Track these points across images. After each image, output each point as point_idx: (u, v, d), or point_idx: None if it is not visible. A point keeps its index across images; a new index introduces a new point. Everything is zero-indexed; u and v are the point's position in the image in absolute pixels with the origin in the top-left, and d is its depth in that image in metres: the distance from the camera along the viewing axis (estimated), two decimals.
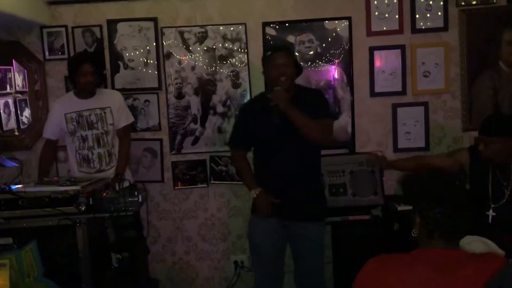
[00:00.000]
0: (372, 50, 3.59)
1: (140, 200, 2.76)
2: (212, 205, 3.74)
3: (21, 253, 2.63)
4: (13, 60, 3.60)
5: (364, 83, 3.62)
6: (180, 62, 3.60)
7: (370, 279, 1.46)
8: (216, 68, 3.60)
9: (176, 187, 3.71)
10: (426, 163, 2.95)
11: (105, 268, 2.91)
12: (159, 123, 3.66)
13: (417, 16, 3.55)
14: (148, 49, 3.60)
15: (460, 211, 1.48)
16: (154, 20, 3.57)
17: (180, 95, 3.63)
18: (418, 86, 3.60)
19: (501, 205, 2.58)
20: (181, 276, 3.80)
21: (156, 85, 3.62)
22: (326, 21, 3.56)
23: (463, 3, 3.54)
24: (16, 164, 3.19)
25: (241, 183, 3.25)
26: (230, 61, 3.59)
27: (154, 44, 3.59)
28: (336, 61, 3.59)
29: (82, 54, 3.42)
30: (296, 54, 3.56)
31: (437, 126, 3.64)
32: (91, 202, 2.64)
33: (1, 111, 3.54)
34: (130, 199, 2.70)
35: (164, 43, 3.59)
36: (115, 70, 3.61)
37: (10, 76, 3.61)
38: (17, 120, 3.66)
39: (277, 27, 3.57)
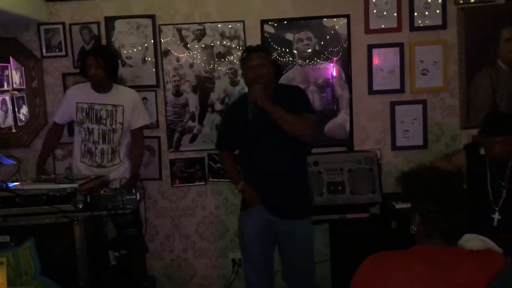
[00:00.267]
0: (370, 48, 3.58)
1: (138, 197, 2.76)
2: (210, 202, 3.74)
3: (18, 251, 2.63)
4: (10, 57, 3.59)
5: (362, 81, 3.62)
6: (178, 60, 3.60)
7: (368, 276, 1.45)
8: (214, 66, 3.59)
9: (174, 185, 3.71)
10: None
11: (102, 266, 2.91)
12: (157, 121, 3.65)
13: (416, 14, 3.55)
14: (146, 47, 3.59)
15: (459, 211, 1.48)
16: (152, 17, 3.56)
17: (178, 93, 3.62)
18: (417, 84, 3.60)
19: (505, 207, 2.56)
20: (179, 274, 3.80)
21: (154, 82, 3.61)
22: (325, 19, 3.56)
23: (461, 1, 3.54)
24: (13, 162, 3.17)
25: None
26: (228, 59, 3.58)
27: (152, 41, 3.58)
28: (335, 58, 3.58)
29: (88, 49, 3.44)
30: (294, 51, 3.57)
31: (435, 124, 3.64)
32: (88, 200, 2.64)
33: None
34: (128, 197, 2.70)
35: (162, 41, 3.58)
36: None
37: (7, 73, 3.59)
38: (14, 118, 3.65)
39: (275, 24, 3.56)
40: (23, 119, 3.68)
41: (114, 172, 3.19)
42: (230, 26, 3.56)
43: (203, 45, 3.58)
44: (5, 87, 3.58)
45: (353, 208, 3.29)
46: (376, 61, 3.59)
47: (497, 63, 3.58)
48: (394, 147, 3.66)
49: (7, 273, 2.43)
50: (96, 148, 3.23)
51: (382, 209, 3.45)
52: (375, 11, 3.55)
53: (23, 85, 3.66)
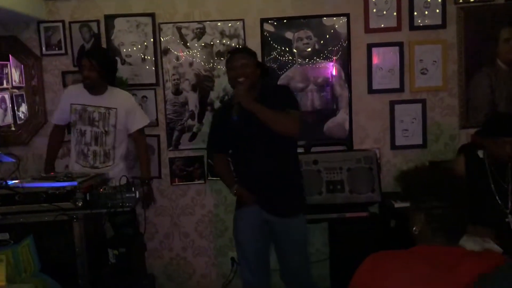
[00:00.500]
0: (370, 47, 3.59)
1: (137, 196, 2.76)
2: (209, 201, 3.74)
3: (17, 248, 2.62)
4: (10, 55, 3.58)
5: (362, 80, 3.62)
6: (177, 58, 3.60)
7: (369, 276, 1.45)
8: (213, 64, 3.59)
9: (173, 183, 3.71)
10: None
11: (102, 264, 2.91)
12: (157, 119, 3.65)
13: (415, 13, 3.55)
14: (145, 45, 3.59)
15: (463, 207, 1.47)
16: (152, 15, 3.56)
17: (177, 91, 3.62)
18: (416, 83, 3.61)
19: None
20: (178, 272, 3.81)
21: (153, 81, 3.61)
22: (324, 18, 3.56)
23: (461, 1, 3.54)
24: (13, 160, 3.17)
25: None
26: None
27: (152, 40, 3.58)
28: (334, 58, 3.59)
29: (85, 50, 3.43)
30: (294, 50, 3.57)
31: (434, 124, 3.65)
32: (88, 198, 2.63)
33: None
34: (127, 195, 2.70)
35: (162, 39, 3.58)
36: None
37: (6, 71, 3.59)
38: (14, 116, 3.64)
39: (275, 23, 3.56)
40: (23, 117, 3.68)
41: (108, 173, 3.17)
42: (230, 24, 3.56)
43: (203, 44, 3.58)
44: (5, 85, 3.58)
45: (352, 207, 3.29)
46: (375, 60, 3.60)
47: (497, 63, 3.59)
48: (393, 146, 3.66)
49: (6, 270, 2.43)
50: (88, 149, 3.20)
51: (381, 208, 3.45)
52: (375, 10, 3.55)
53: (23, 83, 3.65)
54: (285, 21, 3.57)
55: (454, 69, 3.61)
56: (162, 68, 3.60)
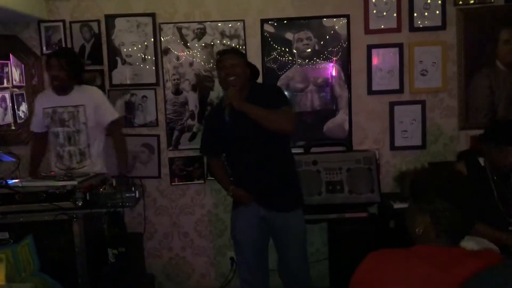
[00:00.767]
0: (370, 48, 3.59)
1: (137, 195, 2.76)
2: (209, 201, 3.74)
3: (17, 247, 2.63)
4: (10, 54, 3.59)
5: (361, 81, 3.63)
6: (178, 58, 3.60)
7: (369, 273, 1.45)
8: (214, 65, 3.58)
9: (173, 183, 3.72)
10: None
11: (101, 264, 2.91)
12: (157, 119, 3.66)
13: (415, 14, 3.56)
14: (146, 45, 3.60)
15: (472, 209, 1.47)
16: (152, 15, 3.57)
17: (177, 91, 3.63)
18: (416, 84, 3.61)
19: None
20: (177, 272, 3.81)
21: (154, 81, 3.62)
22: (324, 19, 3.57)
23: (461, 2, 3.55)
24: (13, 159, 3.18)
25: None
26: None
27: (152, 39, 3.58)
28: (334, 58, 3.59)
29: (53, 50, 3.39)
30: (294, 51, 3.58)
31: (433, 125, 3.65)
32: (88, 197, 2.64)
33: None
34: (127, 195, 2.70)
35: (162, 39, 3.58)
36: (112, 65, 3.61)
37: (7, 70, 3.59)
38: (14, 115, 3.65)
39: (275, 24, 3.57)
40: (23, 116, 3.69)
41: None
42: (230, 25, 3.57)
43: (203, 44, 3.59)
44: (5, 84, 3.58)
45: (352, 208, 3.30)
46: (375, 61, 3.60)
47: (496, 64, 3.59)
48: (392, 147, 3.67)
49: (6, 270, 2.43)
50: (63, 151, 3.19)
51: (380, 209, 3.46)
52: (374, 11, 3.56)
53: (23, 83, 3.66)
54: (285, 21, 3.57)
55: (454, 70, 3.61)
56: (162, 68, 3.61)
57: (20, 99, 3.67)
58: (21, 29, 3.59)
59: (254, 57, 3.55)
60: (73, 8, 3.59)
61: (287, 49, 3.58)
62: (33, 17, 3.49)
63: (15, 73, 3.62)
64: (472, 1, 3.55)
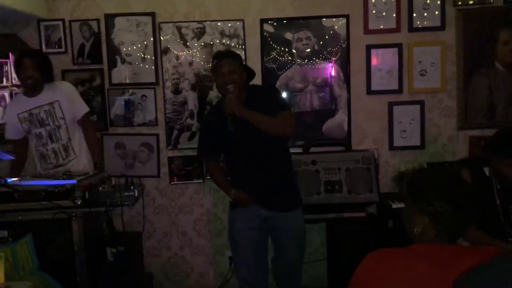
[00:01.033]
0: (369, 48, 3.60)
1: (136, 194, 2.77)
2: (208, 200, 3.75)
3: (16, 246, 2.63)
4: (10, 53, 3.58)
5: (360, 81, 3.63)
6: (177, 58, 3.60)
7: (369, 273, 1.45)
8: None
9: (172, 182, 3.72)
10: None
11: (100, 262, 2.91)
12: (156, 118, 3.66)
13: (415, 14, 3.56)
14: (145, 44, 3.60)
15: (472, 211, 1.47)
16: (152, 15, 3.57)
17: (177, 91, 3.63)
18: (415, 84, 3.62)
19: None
20: (176, 271, 3.81)
21: (153, 80, 3.62)
22: (324, 19, 3.57)
23: (460, 3, 3.55)
24: (12, 157, 3.18)
25: None
26: None
27: (152, 39, 3.58)
28: (333, 58, 3.60)
29: (23, 51, 3.35)
30: (293, 51, 3.58)
31: (432, 125, 3.66)
32: (87, 196, 2.64)
33: None
34: (126, 194, 2.71)
35: (162, 38, 3.58)
36: (112, 64, 3.61)
37: (6, 69, 3.59)
38: None
39: (274, 24, 3.57)
40: None
41: (72, 168, 3.17)
42: (229, 24, 3.57)
43: (203, 44, 3.59)
44: (4, 83, 3.58)
45: (350, 207, 3.30)
46: (374, 61, 3.61)
47: (495, 65, 3.60)
48: (391, 147, 3.67)
49: (5, 268, 2.44)
50: (47, 150, 3.21)
51: (379, 209, 3.46)
52: (374, 11, 3.56)
53: None
54: (284, 21, 3.58)
55: (453, 70, 3.62)
56: (161, 68, 3.61)
57: None
58: (21, 28, 3.59)
59: (254, 57, 3.56)
60: (73, 7, 3.59)
61: (286, 49, 3.59)
62: (33, 16, 3.49)
63: (15, 72, 3.62)
64: (471, 2, 3.55)
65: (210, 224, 3.77)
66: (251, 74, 2.87)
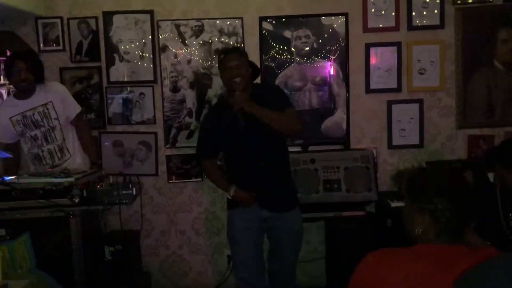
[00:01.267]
0: (368, 46, 3.59)
1: (134, 193, 2.76)
2: (206, 199, 3.74)
3: (13, 244, 2.63)
4: (7, 50, 3.57)
5: (359, 80, 3.63)
6: (176, 56, 3.59)
7: (369, 273, 1.45)
8: (212, 62, 3.59)
9: (170, 181, 3.71)
10: None
11: (98, 261, 2.91)
12: (154, 116, 3.65)
13: (414, 13, 3.56)
14: (144, 42, 3.59)
15: (473, 210, 1.46)
16: (150, 12, 3.56)
17: (175, 89, 3.62)
18: (414, 83, 3.62)
19: None
20: (174, 270, 3.81)
21: (151, 78, 3.61)
22: (323, 17, 3.56)
23: (459, 1, 3.55)
24: (10, 155, 3.16)
25: None
26: None
27: (150, 37, 3.57)
28: (332, 57, 3.59)
29: (14, 53, 3.35)
30: (292, 49, 3.57)
31: (431, 124, 3.66)
32: (85, 194, 2.63)
33: None
34: (124, 192, 2.70)
35: (160, 36, 3.57)
36: (110, 62, 3.60)
37: (3, 67, 3.58)
38: None
39: (273, 22, 3.57)
40: None
41: (68, 167, 3.12)
42: (228, 22, 3.56)
43: (201, 42, 3.58)
44: (2, 81, 3.57)
45: (349, 206, 3.30)
46: (373, 60, 3.60)
47: (494, 64, 3.60)
48: (390, 146, 3.67)
49: (2, 266, 2.43)
50: (42, 151, 3.20)
51: (377, 207, 3.46)
52: (373, 10, 3.56)
53: None
54: (283, 19, 3.57)
55: (452, 69, 3.62)
56: (160, 65, 3.60)
57: None
58: (19, 25, 3.58)
59: (253, 55, 3.54)
60: (71, 4, 3.57)
61: (285, 47, 3.58)
62: (31, 14, 3.47)
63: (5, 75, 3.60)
64: (470, 0, 3.55)
65: (208, 223, 3.76)
66: (255, 72, 2.86)
